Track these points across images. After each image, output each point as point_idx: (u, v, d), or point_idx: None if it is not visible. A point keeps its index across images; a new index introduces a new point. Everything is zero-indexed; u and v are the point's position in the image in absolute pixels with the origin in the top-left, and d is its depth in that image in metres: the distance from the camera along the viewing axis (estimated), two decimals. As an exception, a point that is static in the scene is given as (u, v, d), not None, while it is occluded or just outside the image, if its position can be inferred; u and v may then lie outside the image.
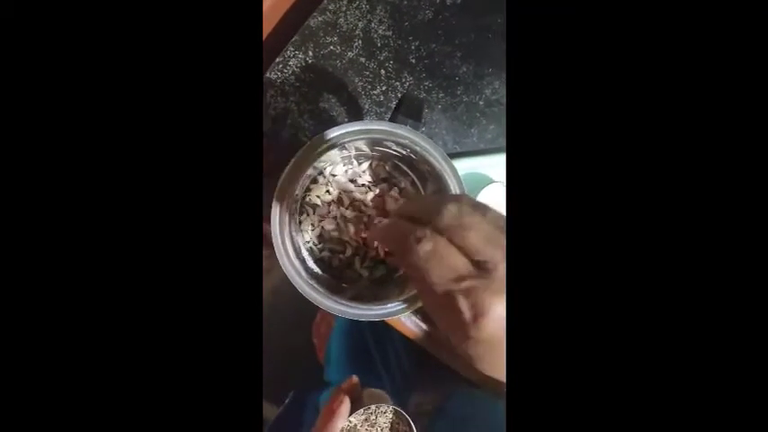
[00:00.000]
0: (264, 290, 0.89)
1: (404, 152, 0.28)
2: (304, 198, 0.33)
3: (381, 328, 0.52)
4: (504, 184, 0.35)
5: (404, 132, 0.25)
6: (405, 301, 0.27)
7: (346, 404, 0.26)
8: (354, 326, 0.54)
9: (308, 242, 0.33)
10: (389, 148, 0.29)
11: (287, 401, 0.61)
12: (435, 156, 0.26)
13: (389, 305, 0.27)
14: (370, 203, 0.34)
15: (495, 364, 0.17)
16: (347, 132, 0.25)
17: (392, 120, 0.27)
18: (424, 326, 0.39)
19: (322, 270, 0.32)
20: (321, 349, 0.79)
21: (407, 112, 0.26)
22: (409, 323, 0.39)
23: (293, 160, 0.25)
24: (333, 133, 0.25)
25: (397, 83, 0.39)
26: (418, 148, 0.26)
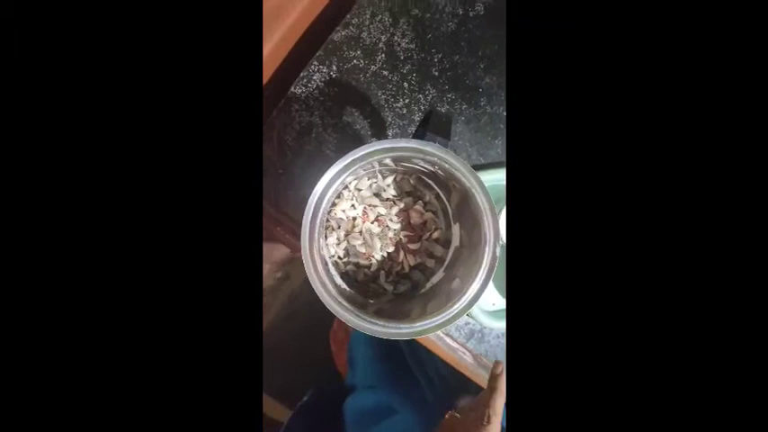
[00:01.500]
0: (281, 297, 0.90)
1: (431, 168, 0.28)
2: (329, 213, 0.33)
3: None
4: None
5: (433, 150, 0.25)
6: (431, 320, 0.27)
7: (503, 376, 0.28)
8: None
9: (333, 256, 0.34)
10: (415, 164, 0.29)
11: (305, 398, 0.61)
12: (464, 173, 0.25)
13: (417, 324, 0.27)
14: (396, 217, 0.34)
15: None
16: (376, 150, 0.25)
17: (419, 136, 0.27)
18: (452, 343, 0.39)
19: (347, 284, 0.32)
20: (339, 355, 0.80)
21: (436, 129, 0.26)
22: (436, 339, 0.39)
23: (322, 179, 0.25)
24: (361, 152, 0.25)
25: (420, 95, 0.39)
26: (447, 165, 0.25)
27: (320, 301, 0.26)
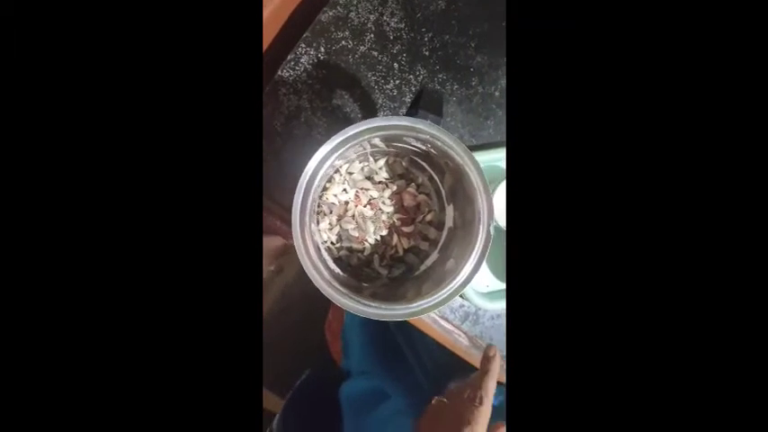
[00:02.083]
0: (275, 290, 0.89)
1: (423, 147, 0.28)
2: (321, 197, 0.33)
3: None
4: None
5: (425, 128, 0.24)
6: (426, 301, 0.26)
7: (497, 359, 0.29)
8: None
9: (326, 241, 0.33)
10: (407, 143, 0.28)
11: (302, 377, 0.60)
12: (458, 151, 0.25)
13: (412, 305, 0.26)
14: (388, 201, 0.33)
15: None
16: (367, 129, 0.24)
17: (410, 114, 0.26)
18: (447, 325, 0.39)
19: (341, 269, 0.32)
20: (334, 344, 0.80)
21: (428, 106, 0.25)
22: (431, 322, 0.39)
23: (312, 159, 0.25)
24: (352, 130, 0.24)
25: (411, 76, 0.38)
26: (439, 143, 0.25)
27: (314, 293, 0.26)
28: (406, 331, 0.49)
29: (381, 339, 0.50)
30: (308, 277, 0.26)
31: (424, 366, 0.47)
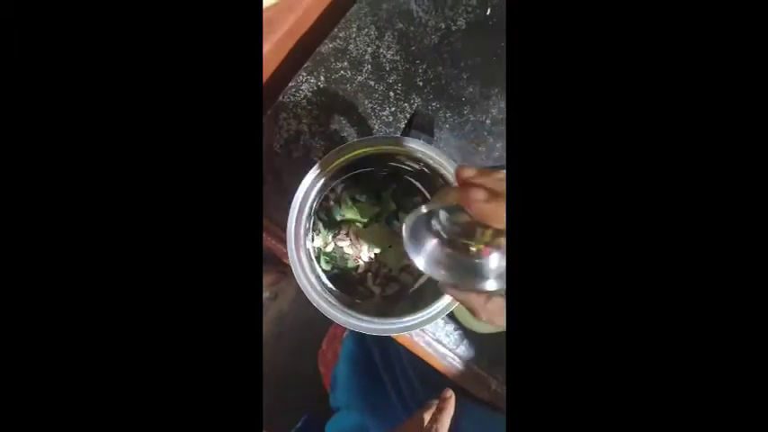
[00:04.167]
0: (270, 317, 0.88)
1: (416, 166, 0.29)
2: (317, 215, 0.34)
3: (389, 350, 0.50)
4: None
5: (418, 147, 0.26)
6: (418, 316, 0.27)
7: (452, 400, 0.33)
8: (361, 350, 0.53)
9: (321, 258, 0.33)
10: (402, 163, 0.30)
11: (299, 425, 0.59)
12: (449, 170, 0.26)
13: (405, 319, 0.27)
14: (383, 219, 0.34)
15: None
16: (361, 147, 0.25)
17: (404, 134, 0.28)
18: (442, 349, 0.38)
19: (335, 286, 0.32)
20: (327, 376, 0.77)
21: (420, 127, 0.27)
22: (421, 341, 0.38)
23: (307, 176, 0.26)
24: (346, 147, 0.25)
25: (406, 104, 0.40)
26: (431, 162, 0.26)
27: (308, 321, 0.26)
28: (390, 365, 0.49)
29: (366, 372, 0.50)
30: (302, 305, 0.26)
31: (406, 402, 0.47)
